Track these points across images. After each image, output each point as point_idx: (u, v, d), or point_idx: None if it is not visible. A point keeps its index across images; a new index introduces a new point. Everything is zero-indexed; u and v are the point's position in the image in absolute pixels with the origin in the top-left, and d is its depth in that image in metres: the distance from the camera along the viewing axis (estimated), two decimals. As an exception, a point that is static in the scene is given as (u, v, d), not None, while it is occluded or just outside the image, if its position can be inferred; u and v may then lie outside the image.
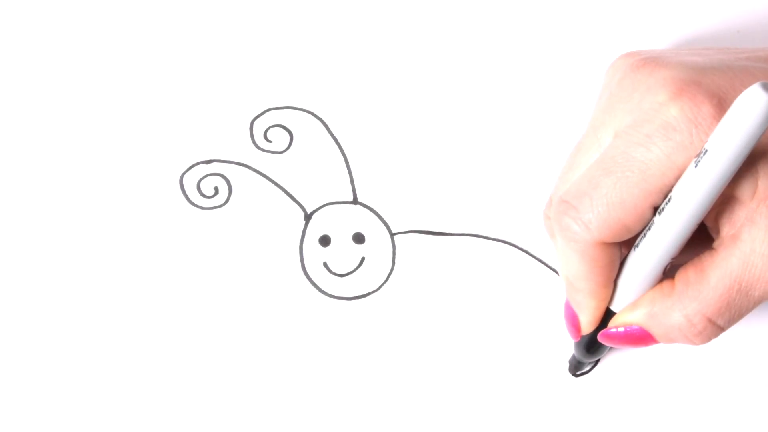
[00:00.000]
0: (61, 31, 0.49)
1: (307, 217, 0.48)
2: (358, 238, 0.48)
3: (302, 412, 0.46)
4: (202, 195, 0.48)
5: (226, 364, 0.46)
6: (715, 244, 0.38)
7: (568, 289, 0.41)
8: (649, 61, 0.38)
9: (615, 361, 0.47)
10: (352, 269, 0.48)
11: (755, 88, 0.32)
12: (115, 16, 0.49)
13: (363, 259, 0.48)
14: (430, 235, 0.48)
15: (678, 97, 0.35)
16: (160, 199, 0.48)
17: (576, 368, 0.46)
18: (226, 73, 0.49)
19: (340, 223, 0.48)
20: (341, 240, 0.48)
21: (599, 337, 0.42)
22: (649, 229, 0.37)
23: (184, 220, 0.47)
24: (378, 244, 0.48)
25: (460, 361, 0.47)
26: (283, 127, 0.49)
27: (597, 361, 0.46)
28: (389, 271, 0.47)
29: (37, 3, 0.49)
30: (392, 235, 0.48)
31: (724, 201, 0.37)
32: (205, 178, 0.48)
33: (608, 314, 0.41)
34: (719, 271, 0.37)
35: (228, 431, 0.46)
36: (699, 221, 0.36)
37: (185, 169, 0.48)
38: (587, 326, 0.42)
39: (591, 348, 0.43)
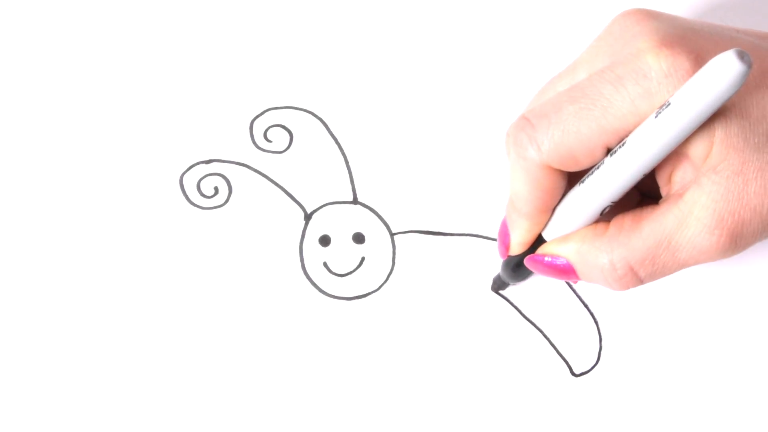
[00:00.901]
0: (61, 31, 0.49)
1: (307, 217, 0.48)
2: (358, 238, 0.48)
3: (302, 412, 0.46)
4: (202, 195, 0.48)
5: (227, 363, 0.46)
6: (661, 201, 0.38)
7: (508, 206, 0.41)
8: (643, 12, 0.38)
9: (615, 361, 0.47)
10: (352, 269, 0.48)
11: (729, 54, 0.32)
12: (115, 16, 0.49)
13: (363, 259, 0.48)
14: (430, 235, 0.48)
15: (658, 47, 0.36)
16: (160, 199, 0.48)
17: (498, 286, 0.47)
18: (226, 73, 0.49)
19: (340, 223, 0.48)
20: (341, 240, 0.48)
21: (525, 262, 0.42)
22: (598, 168, 0.37)
23: (184, 220, 0.47)
24: (378, 244, 0.48)
25: (460, 360, 0.47)
26: (283, 127, 0.49)
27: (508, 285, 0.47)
28: (389, 271, 0.48)
29: (37, 3, 0.49)
30: (392, 235, 0.48)
31: (678, 159, 0.37)
32: (205, 178, 0.48)
33: (539, 241, 0.41)
34: (654, 224, 0.37)
35: (228, 431, 0.46)
36: (647, 171, 0.36)
37: (185, 169, 0.48)
38: (516, 247, 0.42)
39: (516, 270, 0.43)
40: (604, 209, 0.39)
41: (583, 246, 0.39)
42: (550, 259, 0.41)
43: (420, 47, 0.50)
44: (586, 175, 0.38)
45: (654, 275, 0.38)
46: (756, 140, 0.36)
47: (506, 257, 0.43)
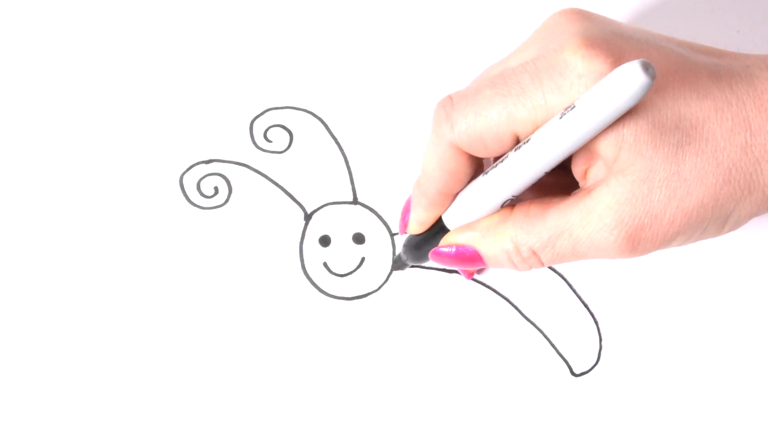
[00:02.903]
0: (61, 31, 0.49)
1: (307, 217, 0.48)
2: (358, 238, 0.48)
3: (302, 412, 0.46)
4: (202, 195, 0.48)
5: (227, 363, 0.46)
6: (572, 193, 0.39)
7: (414, 184, 0.42)
8: (577, 12, 0.38)
9: (615, 361, 0.47)
10: (352, 269, 0.48)
11: (634, 64, 0.33)
12: (115, 16, 0.49)
13: (363, 259, 0.48)
14: (430, 235, 0.48)
15: (579, 47, 0.36)
16: (160, 199, 0.48)
17: (396, 265, 0.47)
18: (226, 73, 0.49)
19: (340, 223, 0.48)
20: (341, 240, 0.48)
21: (431, 256, 0.42)
22: (502, 161, 0.38)
23: (184, 220, 0.47)
24: (378, 244, 0.48)
25: (460, 360, 0.47)
26: (283, 127, 0.49)
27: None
28: (389, 271, 0.48)
29: (37, 3, 0.49)
30: (392, 235, 0.48)
31: (592, 157, 0.37)
32: (205, 178, 0.48)
33: (438, 225, 0.42)
34: (558, 215, 0.38)
35: (228, 431, 0.46)
36: (547, 168, 0.37)
37: (185, 169, 0.48)
38: (413, 225, 0.42)
39: (414, 251, 0.44)
40: (505, 202, 0.39)
41: (488, 232, 0.40)
42: (455, 249, 0.41)
43: (420, 47, 0.50)
44: (490, 167, 0.39)
45: (554, 261, 0.39)
46: (666, 150, 0.36)
47: (402, 232, 0.44)
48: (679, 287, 0.48)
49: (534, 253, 0.39)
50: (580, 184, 0.39)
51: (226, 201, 0.48)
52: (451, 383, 0.47)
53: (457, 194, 0.41)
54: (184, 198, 0.48)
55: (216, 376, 0.46)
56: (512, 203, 0.40)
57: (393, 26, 0.50)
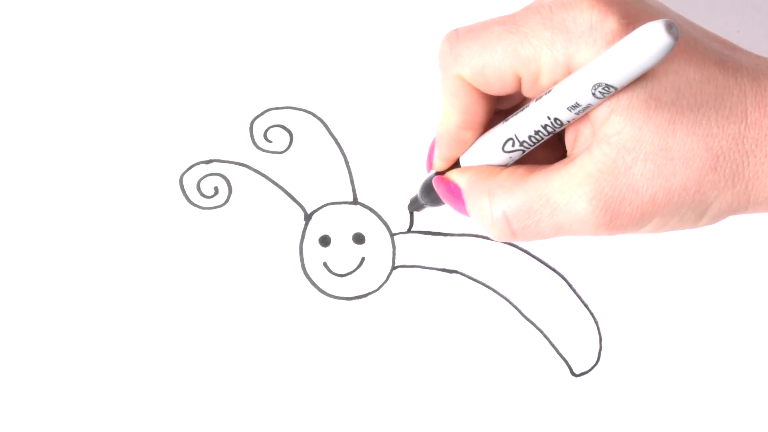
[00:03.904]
0: (61, 31, 0.49)
1: (307, 217, 0.48)
2: (358, 238, 0.48)
3: (302, 412, 0.46)
4: (202, 195, 0.48)
5: (227, 363, 0.46)
6: (559, 161, 0.38)
7: (439, 122, 0.41)
8: None
9: (615, 361, 0.47)
10: (352, 269, 0.48)
11: (658, 23, 0.32)
12: (115, 16, 0.49)
13: (363, 259, 0.48)
14: (430, 235, 0.48)
15: (596, 2, 0.36)
16: (160, 199, 0.48)
17: (413, 206, 0.46)
18: (226, 73, 0.49)
19: (340, 223, 0.48)
20: (341, 240, 0.48)
21: (434, 179, 0.42)
22: (522, 110, 0.37)
23: (184, 220, 0.47)
24: (378, 244, 0.48)
25: (460, 360, 0.47)
26: (283, 127, 0.49)
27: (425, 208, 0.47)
28: (389, 271, 0.48)
29: (37, 3, 0.49)
30: (392, 235, 0.48)
31: (582, 121, 0.37)
32: (205, 178, 0.48)
33: (458, 166, 0.41)
34: (539, 179, 0.37)
35: (228, 431, 0.46)
36: (558, 123, 0.36)
37: (185, 169, 0.48)
38: (437, 162, 0.41)
39: (430, 191, 0.43)
40: (508, 149, 0.38)
41: (475, 180, 0.39)
42: (449, 183, 0.41)
43: (419, 48, 0.50)
44: (511, 115, 0.38)
45: (527, 231, 0.38)
46: (657, 123, 0.35)
47: (429, 169, 0.43)
48: (679, 287, 0.48)
49: (505, 215, 0.38)
50: (568, 152, 0.39)
51: (226, 201, 0.48)
52: (451, 383, 0.47)
53: (479, 137, 0.40)
54: (184, 198, 0.48)
55: (216, 376, 0.46)
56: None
57: (393, 27, 0.50)
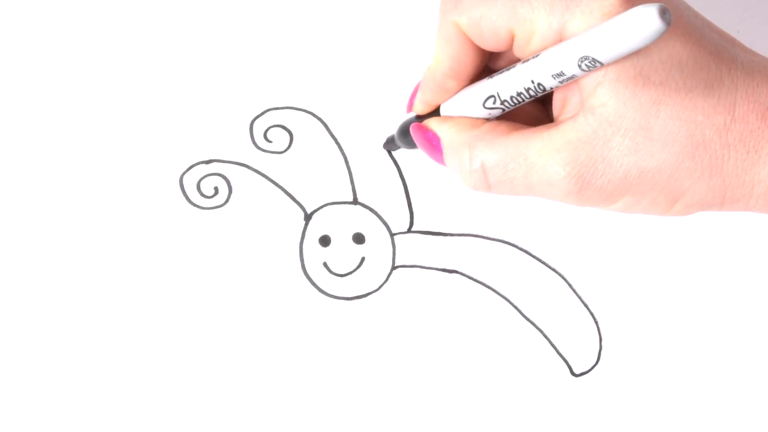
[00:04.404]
0: (61, 31, 0.49)
1: (307, 217, 0.48)
2: (358, 238, 0.48)
3: (302, 412, 0.46)
4: (202, 195, 0.48)
5: (227, 363, 0.46)
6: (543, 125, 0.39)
7: (428, 66, 0.41)
8: None
9: (615, 361, 0.47)
10: (352, 269, 0.48)
11: (651, 8, 0.32)
12: (115, 16, 0.49)
13: (363, 259, 0.48)
14: (429, 235, 0.48)
15: None
16: (160, 199, 0.48)
17: (388, 144, 0.47)
18: (226, 73, 0.49)
19: (340, 223, 0.48)
20: (341, 240, 0.48)
21: (411, 127, 0.42)
22: (508, 69, 0.38)
23: (184, 220, 0.47)
24: (378, 244, 0.48)
25: (460, 360, 0.47)
26: (283, 127, 0.49)
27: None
28: (389, 271, 0.48)
29: (37, 3, 0.49)
30: (392, 235, 0.48)
31: (571, 88, 0.37)
32: (205, 178, 0.48)
33: (437, 115, 0.42)
34: (521, 138, 0.38)
35: (228, 431, 0.46)
36: (541, 87, 0.36)
37: (185, 169, 0.48)
38: (418, 104, 0.42)
39: (404, 132, 0.43)
40: (488, 106, 0.39)
41: (456, 131, 0.40)
42: (428, 131, 0.41)
43: (419, 48, 0.50)
44: (497, 72, 0.39)
45: (501, 185, 0.38)
46: (643, 100, 0.35)
47: (408, 110, 0.43)
48: (679, 287, 0.48)
49: (483, 166, 0.38)
50: (555, 117, 0.39)
51: (226, 201, 0.48)
52: (451, 383, 0.47)
53: (462, 89, 0.41)
54: (184, 198, 0.48)
55: (216, 376, 0.46)
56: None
57: (393, 27, 0.50)
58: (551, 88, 0.36)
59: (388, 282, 0.47)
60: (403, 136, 0.44)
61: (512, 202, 0.48)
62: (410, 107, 0.43)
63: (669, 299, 0.48)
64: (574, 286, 0.48)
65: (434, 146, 0.41)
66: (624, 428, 0.47)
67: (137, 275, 0.47)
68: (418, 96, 0.42)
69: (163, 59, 0.49)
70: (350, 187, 0.48)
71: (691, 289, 0.48)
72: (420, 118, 0.42)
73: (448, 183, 0.48)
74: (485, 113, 0.39)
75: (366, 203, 0.48)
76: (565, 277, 0.48)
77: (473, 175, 0.39)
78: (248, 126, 0.49)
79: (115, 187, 0.48)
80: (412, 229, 0.48)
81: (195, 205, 0.48)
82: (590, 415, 0.47)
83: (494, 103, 0.39)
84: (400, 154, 0.49)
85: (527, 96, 0.37)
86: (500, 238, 0.48)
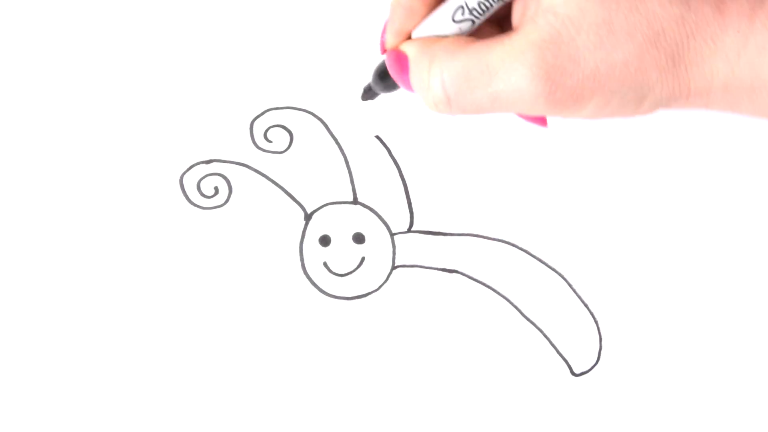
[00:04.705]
0: (61, 31, 0.49)
1: (307, 217, 0.48)
2: (358, 238, 0.48)
3: (302, 412, 0.46)
4: (202, 195, 0.48)
5: (227, 363, 0.46)
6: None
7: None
8: None
9: (615, 361, 0.47)
10: (352, 269, 0.48)
11: None
12: (115, 16, 0.49)
13: (363, 259, 0.48)
14: (429, 235, 0.48)
15: None
16: (160, 199, 0.48)
17: (366, 95, 0.45)
18: (226, 73, 0.49)
19: (340, 223, 0.48)
20: (341, 240, 0.48)
21: (387, 54, 0.41)
22: None
23: (184, 220, 0.47)
24: (378, 244, 0.48)
25: (460, 360, 0.47)
26: (283, 127, 0.49)
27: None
28: (389, 271, 0.48)
29: (37, 3, 0.49)
30: (392, 235, 0.48)
31: None
32: (205, 178, 0.48)
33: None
34: (482, 46, 0.37)
35: (228, 431, 0.46)
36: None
37: (185, 169, 0.48)
38: (390, 38, 0.41)
39: (381, 75, 0.43)
40: (458, 19, 0.38)
41: (421, 46, 0.39)
42: (398, 53, 0.40)
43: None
44: None
45: (462, 99, 0.38)
46: None
47: (383, 51, 0.42)
48: (679, 287, 0.48)
49: (443, 82, 0.38)
50: (514, 27, 0.38)
51: (226, 201, 0.48)
52: (451, 383, 0.47)
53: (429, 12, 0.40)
54: (184, 198, 0.48)
55: (216, 376, 0.46)
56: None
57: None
58: None
59: (388, 282, 0.47)
60: (380, 78, 0.43)
61: (512, 202, 0.48)
62: (383, 47, 0.42)
63: (669, 299, 0.48)
64: (574, 286, 0.48)
65: (402, 66, 0.40)
66: (624, 428, 0.47)
67: (137, 275, 0.47)
68: (388, 28, 0.41)
69: (163, 59, 0.49)
70: (350, 186, 0.48)
71: (691, 289, 0.48)
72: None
73: (448, 183, 0.48)
74: (456, 29, 0.39)
75: (366, 203, 0.48)
76: (565, 277, 0.48)
77: (432, 89, 0.38)
78: (248, 126, 0.49)
79: (115, 186, 0.48)
80: (412, 228, 0.48)
81: (195, 205, 0.48)
82: (590, 415, 0.47)
83: (463, 14, 0.38)
84: (400, 153, 0.48)
85: (494, 0, 0.37)
86: (500, 238, 0.48)
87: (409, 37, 0.40)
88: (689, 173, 0.49)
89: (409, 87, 0.40)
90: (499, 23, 0.41)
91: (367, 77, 0.49)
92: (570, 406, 0.47)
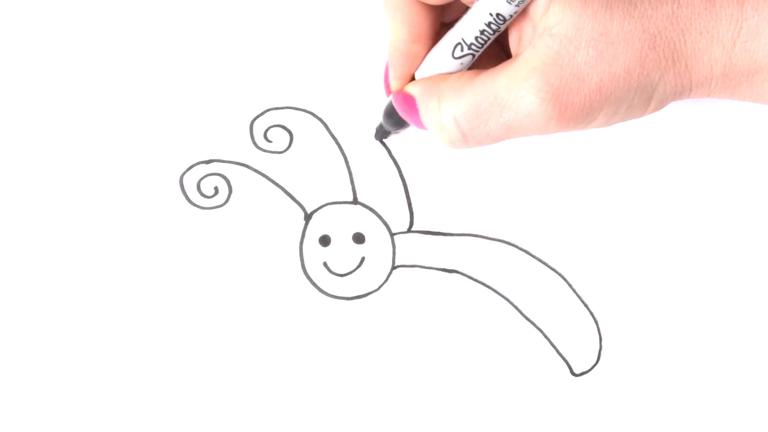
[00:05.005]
0: (61, 31, 0.49)
1: (307, 217, 0.48)
2: (358, 238, 0.48)
3: (302, 412, 0.46)
4: (202, 195, 0.48)
5: (227, 363, 0.46)
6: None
7: (389, 43, 0.41)
8: None
9: (615, 361, 0.47)
10: (352, 269, 0.48)
11: None
12: (115, 16, 0.49)
13: (363, 259, 0.48)
14: (429, 235, 0.48)
15: None
16: (160, 199, 0.48)
17: (381, 135, 0.47)
18: (226, 73, 0.49)
19: (340, 223, 0.48)
20: (341, 240, 0.48)
21: (393, 96, 0.42)
22: (465, 13, 0.38)
23: (184, 220, 0.47)
24: (378, 244, 0.48)
25: (460, 360, 0.47)
26: (283, 127, 0.49)
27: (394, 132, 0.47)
28: (389, 271, 0.48)
29: (37, 3, 0.49)
30: (392, 235, 0.48)
31: (523, 19, 0.37)
32: (205, 178, 0.48)
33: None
34: (486, 79, 0.38)
35: (228, 431, 0.46)
36: (506, 21, 0.37)
37: (185, 169, 0.48)
38: (394, 82, 0.42)
39: (393, 114, 0.43)
40: (458, 55, 0.39)
41: (426, 86, 0.40)
42: (404, 95, 0.41)
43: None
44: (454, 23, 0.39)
45: (477, 133, 0.38)
46: (594, 8, 0.36)
47: (388, 93, 0.43)
48: (679, 287, 0.48)
49: (455, 119, 0.38)
50: (513, 54, 0.39)
51: (226, 201, 0.48)
52: (451, 383, 0.47)
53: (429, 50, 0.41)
54: (184, 198, 0.48)
55: (216, 376, 0.46)
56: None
57: (393, 26, 0.50)
58: (511, 16, 0.37)
59: (388, 282, 0.47)
60: (389, 117, 0.44)
61: (512, 202, 0.48)
62: (387, 89, 0.43)
63: (669, 299, 0.48)
64: (574, 286, 0.48)
65: (411, 108, 0.40)
66: (624, 428, 0.47)
67: (137, 275, 0.47)
68: (391, 74, 0.42)
69: (163, 59, 0.49)
70: (350, 186, 0.48)
71: (691, 289, 0.48)
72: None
73: (448, 183, 0.48)
74: (457, 64, 0.39)
75: (366, 203, 0.48)
76: (565, 277, 0.48)
77: (446, 127, 0.39)
78: (248, 126, 0.49)
79: (115, 186, 0.48)
80: (412, 228, 0.48)
81: (195, 205, 0.48)
82: (590, 415, 0.47)
83: (462, 50, 0.39)
84: (400, 153, 0.49)
85: (491, 32, 0.37)
86: (500, 238, 0.48)
87: (413, 78, 0.41)
88: (690, 173, 0.49)
89: (420, 126, 0.41)
90: (500, 45, 0.41)
91: (367, 77, 0.49)
92: (570, 406, 0.47)
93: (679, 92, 0.38)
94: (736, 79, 0.38)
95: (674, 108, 0.49)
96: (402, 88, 0.42)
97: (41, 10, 0.49)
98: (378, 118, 0.48)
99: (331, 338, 0.47)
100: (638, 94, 0.37)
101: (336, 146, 0.49)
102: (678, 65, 0.37)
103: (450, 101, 0.38)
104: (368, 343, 0.47)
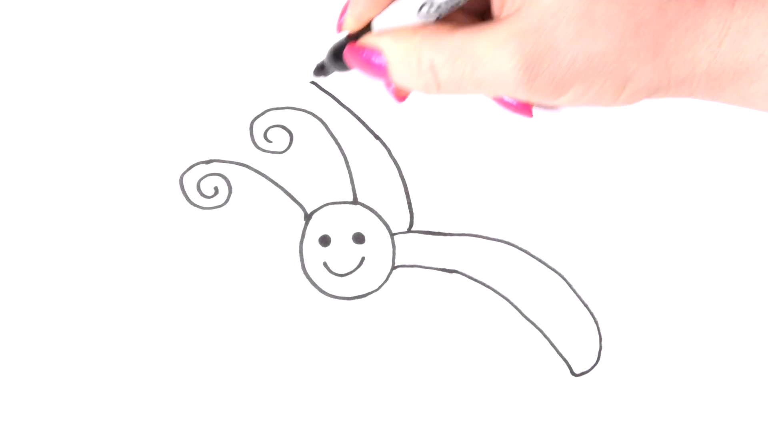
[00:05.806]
0: (61, 31, 0.49)
1: (307, 217, 0.48)
2: (358, 238, 0.48)
3: (302, 412, 0.46)
4: (202, 195, 0.48)
5: (227, 363, 0.46)
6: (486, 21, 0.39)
7: None
8: None
9: (615, 361, 0.47)
10: (352, 269, 0.48)
11: None
12: (115, 16, 0.49)
13: (363, 259, 0.48)
14: (429, 235, 0.48)
15: None
16: (160, 199, 0.48)
17: (319, 72, 0.45)
18: (226, 73, 0.49)
19: (340, 223, 0.48)
20: (341, 240, 0.48)
21: (346, 51, 0.41)
22: None
23: (184, 220, 0.48)
24: (378, 244, 0.48)
25: (460, 360, 0.47)
26: (283, 127, 0.49)
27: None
28: (389, 271, 0.48)
29: (37, 3, 0.49)
30: (392, 235, 0.48)
31: None
32: (205, 178, 0.48)
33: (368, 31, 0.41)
34: (466, 34, 0.38)
35: (228, 431, 0.46)
36: None
37: (185, 169, 0.48)
38: (349, 21, 0.41)
39: (337, 55, 0.42)
40: (423, 12, 0.39)
41: (399, 38, 0.39)
42: (367, 50, 0.40)
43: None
44: None
45: (451, 83, 0.39)
46: None
47: (339, 29, 0.43)
48: (679, 287, 0.48)
49: (433, 67, 0.38)
50: (495, 16, 0.39)
51: (226, 201, 0.48)
52: (451, 383, 0.47)
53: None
54: (184, 198, 0.48)
55: (216, 376, 0.46)
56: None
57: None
58: None
59: (388, 282, 0.47)
60: (335, 59, 0.43)
61: (512, 202, 0.48)
62: (340, 26, 0.43)
63: (669, 299, 0.48)
64: (574, 286, 0.48)
65: (375, 63, 0.40)
66: (624, 428, 0.47)
67: (137, 275, 0.47)
68: (349, 11, 0.41)
69: (163, 59, 0.49)
70: (350, 186, 0.48)
71: (691, 289, 0.48)
72: (350, 38, 0.41)
73: (448, 183, 0.48)
74: (419, 22, 0.39)
75: (366, 203, 0.48)
76: (565, 277, 0.48)
77: (423, 74, 0.39)
78: (248, 126, 0.49)
79: (115, 186, 0.48)
80: (412, 228, 0.48)
81: (195, 205, 0.48)
82: (590, 415, 0.47)
83: (429, 9, 0.38)
84: (400, 153, 0.49)
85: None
86: (500, 238, 0.48)
87: (368, 24, 0.41)
88: (690, 173, 0.49)
89: (383, 77, 0.40)
90: (475, 11, 0.41)
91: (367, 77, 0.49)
92: (570, 406, 0.47)
93: (655, 88, 0.38)
94: (720, 80, 0.38)
95: (674, 108, 0.49)
96: (356, 33, 0.41)
97: (41, 10, 0.49)
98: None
99: (331, 338, 0.47)
100: (610, 79, 0.37)
101: (336, 146, 0.49)
102: (658, 59, 0.37)
103: (428, 51, 0.38)
104: (368, 343, 0.47)
